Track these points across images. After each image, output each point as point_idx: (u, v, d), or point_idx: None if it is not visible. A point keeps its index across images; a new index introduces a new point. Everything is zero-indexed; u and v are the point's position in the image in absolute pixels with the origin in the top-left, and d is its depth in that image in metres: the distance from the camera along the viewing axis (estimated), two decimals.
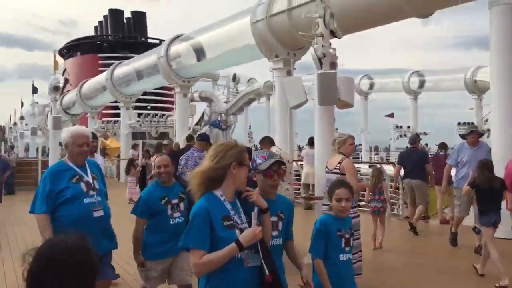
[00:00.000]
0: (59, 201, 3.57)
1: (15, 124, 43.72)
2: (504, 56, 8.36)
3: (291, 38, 10.90)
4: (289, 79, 7.53)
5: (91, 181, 3.72)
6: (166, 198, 4.15)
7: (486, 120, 24.83)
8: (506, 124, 8.38)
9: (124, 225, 10.63)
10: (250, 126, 44.97)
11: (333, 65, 6.76)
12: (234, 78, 44.19)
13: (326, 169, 5.44)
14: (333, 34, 6.83)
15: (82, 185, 3.65)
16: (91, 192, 3.68)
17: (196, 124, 40.41)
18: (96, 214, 3.66)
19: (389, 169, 11.81)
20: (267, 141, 6.79)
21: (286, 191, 6.65)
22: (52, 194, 3.56)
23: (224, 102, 41.65)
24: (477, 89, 26.49)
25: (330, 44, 6.81)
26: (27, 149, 34.42)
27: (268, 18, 11.62)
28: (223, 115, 42.12)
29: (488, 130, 22.61)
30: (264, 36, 11.84)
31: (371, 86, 33.90)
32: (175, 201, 4.18)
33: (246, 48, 13.18)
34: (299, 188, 13.46)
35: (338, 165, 5.23)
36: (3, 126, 45.60)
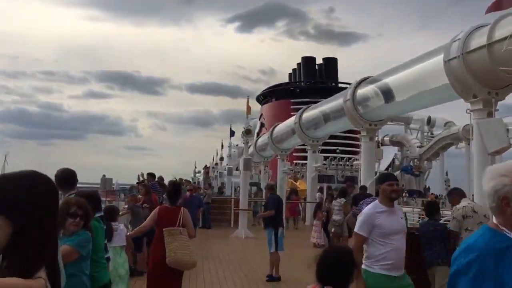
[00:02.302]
0: None
1: (216, 164, 48.45)
2: None
3: (492, 76, 9.67)
4: (487, 121, 6.52)
5: None
6: None
7: None
8: None
9: (303, 274, 10.27)
10: (447, 173, 41.42)
11: None
12: (429, 121, 41.64)
13: None
14: None
15: None
16: None
17: (386, 169, 38.98)
18: None
19: None
20: (456, 194, 5.89)
21: None
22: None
23: (418, 146, 39.39)
24: None
25: None
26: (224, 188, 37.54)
27: (464, 55, 10.54)
28: (416, 160, 39.82)
29: None
30: (460, 75, 10.75)
31: None
32: None
33: (439, 89, 12.17)
34: None
35: None
36: (208, 166, 50.89)
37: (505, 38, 8.56)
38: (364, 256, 4.39)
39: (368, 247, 4.39)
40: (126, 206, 10.41)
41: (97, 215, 4.27)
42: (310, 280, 8.92)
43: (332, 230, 12.00)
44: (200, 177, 51.19)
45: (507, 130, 11.94)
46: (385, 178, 4.69)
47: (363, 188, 12.97)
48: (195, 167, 67.55)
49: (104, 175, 31.28)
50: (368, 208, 4.54)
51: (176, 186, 6.27)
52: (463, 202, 5.76)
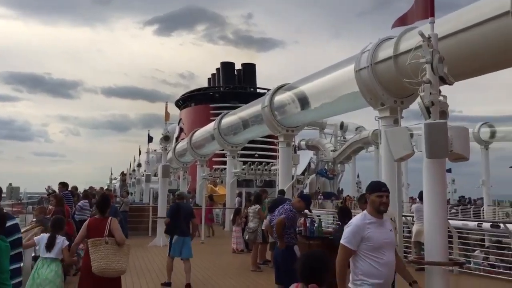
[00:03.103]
0: None
1: (133, 170, 47.08)
2: None
3: (398, 86, 10.33)
4: (393, 130, 6.95)
5: None
6: None
7: None
8: None
9: (229, 277, 10.28)
10: (358, 175, 43.64)
11: (443, 114, 6.09)
12: (342, 126, 43.69)
13: None
14: (443, 80, 6.21)
15: None
16: None
17: (302, 173, 40.20)
18: None
19: None
20: (365, 200, 6.24)
21: None
22: None
23: (331, 150, 41.16)
24: None
25: (440, 91, 6.19)
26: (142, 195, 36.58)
27: (373, 66, 11.19)
28: (330, 163, 41.54)
29: None
30: (369, 84, 11.38)
31: (493, 135, 31.22)
32: None
33: (350, 97, 12.80)
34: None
35: None
36: (125, 173, 49.34)
37: (409, 51, 9.19)
38: (352, 273, 3.98)
39: (357, 263, 4.01)
40: (35, 219, 9.78)
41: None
42: (222, 285, 8.99)
43: (247, 237, 12.00)
44: (117, 184, 49.48)
45: (412, 135, 12.87)
46: (375, 188, 4.33)
47: (282, 192, 13.23)
48: (111, 174, 65.30)
49: (10, 184, 29.21)
50: (357, 219, 4.15)
51: (105, 197, 6.55)
52: None
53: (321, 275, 3.32)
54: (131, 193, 33.20)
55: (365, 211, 4.19)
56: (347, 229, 4.07)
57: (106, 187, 39.45)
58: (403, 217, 12.66)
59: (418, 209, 11.65)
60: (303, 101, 15.26)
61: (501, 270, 11.58)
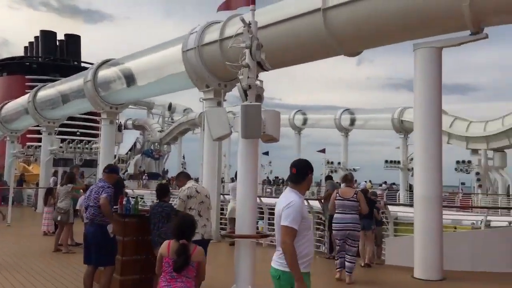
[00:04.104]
0: None
1: None
2: (427, 97, 8.55)
3: (223, 69, 10.67)
4: (212, 110, 7.21)
5: None
6: None
7: (412, 159, 25.91)
8: (427, 163, 8.50)
9: (38, 260, 9.46)
10: (184, 157, 44.25)
11: (259, 97, 6.50)
12: (170, 107, 43.64)
13: (340, 198, 8.03)
14: (260, 66, 6.61)
15: None
16: None
17: (126, 153, 39.18)
18: None
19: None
20: (182, 176, 6.40)
21: (203, 228, 6.22)
22: None
23: (159, 131, 40.91)
24: (403, 128, 27.77)
25: (257, 76, 6.58)
26: None
27: (200, 48, 11.39)
28: (156, 144, 41.27)
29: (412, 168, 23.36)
30: (195, 66, 11.57)
31: (305, 122, 34.57)
32: None
33: (177, 77, 12.83)
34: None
35: (355, 195, 8.00)
36: None
37: (234, 36, 9.57)
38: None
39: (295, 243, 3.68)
40: None
41: None
42: (29, 269, 8.35)
43: (58, 218, 11.12)
44: None
45: (234, 116, 13.49)
46: (311, 166, 4.01)
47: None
48: None
49: None
50: (295, 198, 3.77)
51: None
52: (188, 184, 6.27)
53: (189, 233, 4.21)
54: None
55: (293, 190, 3.83)
56: (290, 210, 3.68)
57: None
58: (221, 196, 13.26)
59: (234, 188, 12.26)
60: (129, 78, 14.80)
61: None
